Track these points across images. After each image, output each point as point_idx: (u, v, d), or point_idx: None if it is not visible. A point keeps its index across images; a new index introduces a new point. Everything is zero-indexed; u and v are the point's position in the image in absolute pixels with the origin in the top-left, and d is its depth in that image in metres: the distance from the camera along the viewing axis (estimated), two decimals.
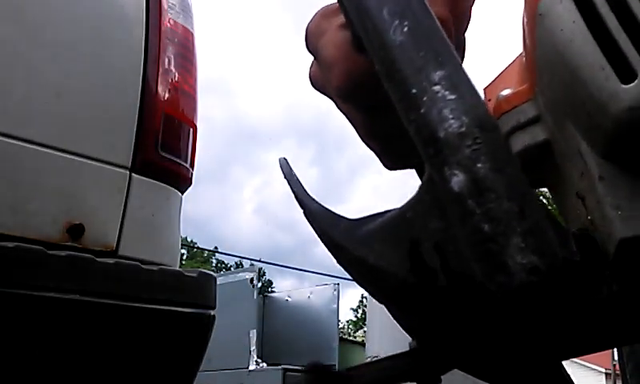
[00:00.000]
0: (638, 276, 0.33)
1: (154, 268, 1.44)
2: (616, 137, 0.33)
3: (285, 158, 0.47)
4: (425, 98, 0.32)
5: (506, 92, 0.40)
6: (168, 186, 1.61)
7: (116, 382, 1.37)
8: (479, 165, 0.31)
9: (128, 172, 1.50)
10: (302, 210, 0.44)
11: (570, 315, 0.33)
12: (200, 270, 1.62)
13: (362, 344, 8.11)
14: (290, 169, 0.45)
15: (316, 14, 0.47)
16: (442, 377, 0.40)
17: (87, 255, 1.31)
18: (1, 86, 1.36)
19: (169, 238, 1.62)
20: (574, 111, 0.35)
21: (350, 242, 0.38)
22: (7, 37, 1.38)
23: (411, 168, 0.49)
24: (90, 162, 1.44)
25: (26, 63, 1.41)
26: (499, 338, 0.35)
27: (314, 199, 0.43)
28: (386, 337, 4.42)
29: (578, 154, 0.35)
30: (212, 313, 1.52)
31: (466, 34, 0.47)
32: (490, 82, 0.44)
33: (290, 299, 8.08)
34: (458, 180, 0.31)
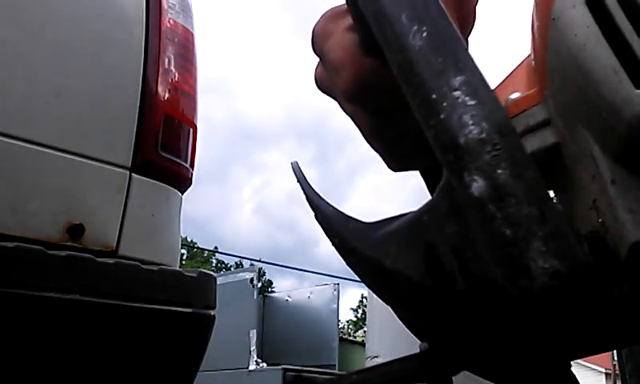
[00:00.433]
0: None
1: (154, 268, 1.44)
2: (629, 141, 0.33)
3: (297, 162, 0.48)
4: (445, 104, 0.32)
5: (514, 95, 0.40)
6: (168, 186, 1.61)
7: (116, 382, 1.37)
8: (499, 170, 0.31)
9: (128, 172, 1.50)
10: (313, 214, 0.44)
11: (586, 317, 0.33)
12: (200, 270, 1.62)
13: (362, 344, 8.11)
14: (302, 173, 0.46)
15: (322, 16, 0.47)
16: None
17: (87, 255, 1.31)
18: (1, 85, 1.36)
19: (169, 238, 1.62)
20: (587, 114, 0.35)
21: (365, 244, 0.38)
22: (7, 37, 1.38)
23: (415, 170, 0.49)
24: (90, 161, 1.44)
25: (26, 63, 1.41)
26: (515, 340, 0.35)
27: (327, 202, 0.43)
28: (386, 337, 4.42)
29: (590, 157, 0.35)
30: (212, 313, 1.52)
31: (470, 37, 0.47)
32: (496, 85, 0.44)
33: (289, 299, 8.08)
34: (478, 186, 0.31)
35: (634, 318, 0.34)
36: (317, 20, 0.47)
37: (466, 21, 0.46)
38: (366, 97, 0.44)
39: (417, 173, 0.49)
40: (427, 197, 0.39)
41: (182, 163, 1.64)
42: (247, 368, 6.31)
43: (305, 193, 0.45)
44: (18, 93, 1.38)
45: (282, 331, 7.71)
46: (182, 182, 1.67)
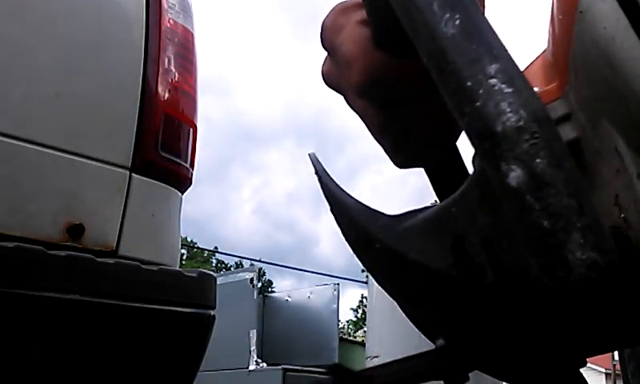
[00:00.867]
0: None
1: (154, 268, 1.44)
2: None
3: (314, 154, 0.47)
4: (481, 91, 0.31)
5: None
6: (168, 186, 1.61)
7: (116, 382, 1.37)
8: (538, 160, 0.30)
9: (128, 172, 1.50)
10: (330, 206, 0.44)
11: (615, 312, 0.33)
12: (200, 270, 1.62)
13: (362, 344, 8.10)
14: (321, 164, 0.45)
15: (332, 9, 0.47)
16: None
17: (87, 255, 1.31)
18: (1, 85, 1.36)
19: (169, 238, 1.62)
20: (613, 108, 0.35)
21: (389, 237, 0.38)
22: (7, 36, 1.38)
23: (420, 167, 0.49)
24: (90, 161, 1.44)
25: (26, 63, 1.41)
26: (537, 334, 0.35)
27: (349, 194, 0.42)
28: (386, 337, 4.42)
29: (614, 152, 0.35)
30: (212, 313, 1.52)
31: None
32: None
33: (289, 299, 8.08)
34: (515, 175, 0.30)
35: None
36: (326, 14, 0.47)
37: None
38: (377, 91, 0.44)
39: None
40: (427, 197, 0.39)
41: (182, 163, 1.64)
42: (247, 368, 6.31)
43: (323, 184, 0.44)
44: (17, 93, 1.38)
45: (282, 331, 7.71)
46: (182, 181, 1.67)
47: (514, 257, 0.32)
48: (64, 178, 1.40)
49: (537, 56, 0.43)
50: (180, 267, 1.66)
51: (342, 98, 0.48)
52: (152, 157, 1.55)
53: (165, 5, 1.63)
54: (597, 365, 21.73)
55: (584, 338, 0.36)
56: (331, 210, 0.44)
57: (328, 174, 0.45)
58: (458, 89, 0.32)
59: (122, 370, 1.36)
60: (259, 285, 7.05)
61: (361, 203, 0.41)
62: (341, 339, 8.29)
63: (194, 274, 1.51)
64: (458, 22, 0.33)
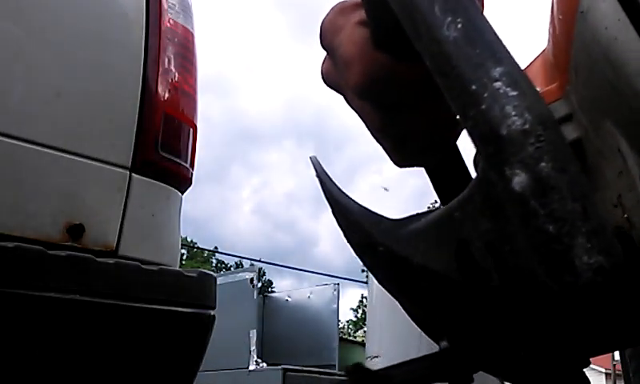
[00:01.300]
0: None
1: (154, 268, 1.44)
2: None
3: (315, 157, 0.47)
4: (485, 95, 0.31)
5: None
6: (168, 186, 1.61)
7: (116, 382, 1.37)
8: (542, 164, 0.30)
9: (128, 172, 1.50)
10: (332, 209, 0.44)
11: (621, 314, 0.33)
12: (200, 270, 1.62)
13: (362, 344, 8.11)
14: (322, 167, 0.45)
15: (331, 9, 0.47)
16: None
17: (87, 255, 1.31)
18: (1, 85, 1.36)
19: (169, 238, 1.62)
20: (615, 109, 0.34)
21: (392, 241, 0.37)
22: (7, 36, 1.38)
23: (420, 166, 0.49)
24: (90, 161, 1.44)
25: (26, 63, 1.41)
26: (543, 335, 0.35)
27: (352, 198, 0.42)
28: (386, 337, 4.42)
29: (617, 152, 0.35)
30: (212, 313, 1.52)
31: None
32: None
33: (289, 299, 8.08)
34: (519, 180, 0.30)
35: None
36: (325, 14, 0.47)
37: None
38: (376, 92, 0.43)
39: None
40: (427, 197, 0.39)
41: (182, 163, 1.64)
42: (247, 368, 6.31)
43: (325, 188, 0.44)
44: (17, 93, 1.38)
45: (282, 331, 7.71)
46: (182, 181, 1.67)
47: (520, 260, 0.31)
48: (64, 178, 1.40)
49: (536, 56, 0.43)
50: (180, 267, 1.66)
51: (341, 97, 0.48)
52: (152, 157, 1.55)
53: (165, 5, 1.63)
54: (597, 365, 21.73)
55: (589, 339, 0.36)
56: (333, 212, 0.44)
57: (329, 177, 0.44)
58: (462, 92, 0.32)
59: (122, 370, 1.36)
60: (259, 285, 7.05)
61: (363, 207, 0.41)
62: (341, 339, 8.29)
63: (194, 274, 1.51)
64: (460, 25, 0.33)
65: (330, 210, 0.44)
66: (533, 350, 0.36)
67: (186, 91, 1.66)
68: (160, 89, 1.57)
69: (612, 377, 18.37)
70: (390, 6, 0.37)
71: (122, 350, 1.35)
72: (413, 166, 0.49)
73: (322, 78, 0.48)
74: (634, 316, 0.34)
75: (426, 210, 0.39)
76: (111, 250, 1.44)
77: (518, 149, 0.30)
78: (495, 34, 0.33)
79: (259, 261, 25.30)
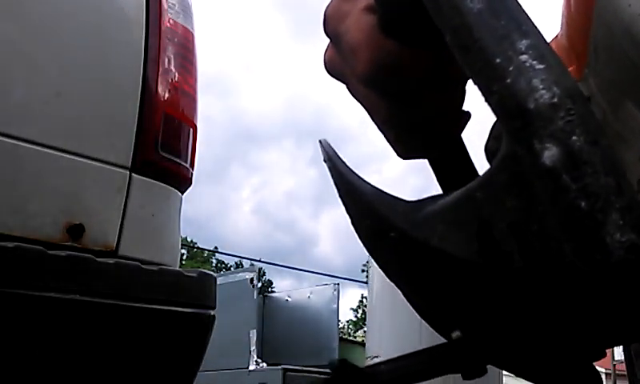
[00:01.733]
0: None
1: (154, 268, 1.44)
2: None
3: (325, 140, 0.46)
4: (511, 68, 0.30)
5: None
6: (168, 186, 1.61)
7: (116, 382, 1.37)
8: (574, 137, 0.28)
9: (128, 172, 1.50)
10: (340, 193, 0.42)
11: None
12: (200, 270, 1.62)
13: (362, 344, 8.10)
14: (333, 149, 0.44)
15: None
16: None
17: (87, 255, 1.31)
18: (1, 85, 1.36)
19: (169, 238, 1.62)
20: (637, 88, 0.33)
21: (408, 224, 0.36)
22: (7, 36, 1.38)
23: (424, 158, 0.49)
24: (90, 161, 1.44)
25: (26, 63, 1.41)
26: (562, 321, 0.33)
27: (365, 180, 0.41)
28: (386, 337, 4.43)
29: (638, 133, 0.34)
30: (212, 313, 1.52)
31: None
32: None
33: (289, 299, 8.08)
34: (550, 154, 0.29)
35: None
36: (329, 1, 0.46)
37: None
38: (383, 80, 0.43)
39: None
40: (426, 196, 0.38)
41: (182, 163, 1.64)
42: (247, 368, 6.31)
43: (336, 171, 0.43)
44: (17, 93, 1.38)
45: (282, 331, 7.71)
46: (182, 181, 1.67)
47: (546, 241, 0.30)
48: (64, 178, 1.40)
49: (550, 41, 0.42)
50: (180, 267, 1.66)
51: (344, 88, 0.47)
52: (152, 157, 1.55)
53: (165, 5, 1.63)
54: (597, 365, 21.70)
55: (613, 326, 0.34)
56: (342, 197, 0.43)
57: (341, 159, 0.43)
58: (485, 66, 0.31)
59: (122, 370, 1.36)
60: (259, 285, 7.05)
61: (377, 189, 0.40)
62: (341, 339, 8.28)
63: (194, 274, 1.51)
64: None
65: (338, 195, 0.43)
66: (551, 338, 0.35)
67: (185, 91, 1.66)
68: (160, 89, 1.57)
69: (612, 377, 18.36)
70: None
71: (122, 350, 1.35)
72: (417, 157, 0.48)
73: (325, 66, 0.47)
74: None
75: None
76: (111, 250, 1.44)
77: (548, 122, 0.29)
78: (520, 5, 0.32)
79: (259, 261, 25.30)
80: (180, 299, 1.44)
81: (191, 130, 1.68)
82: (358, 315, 40.52)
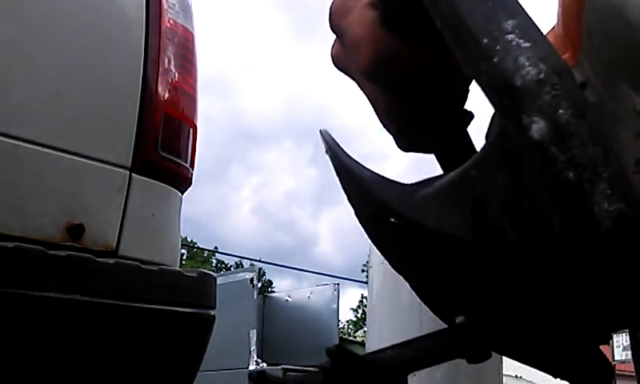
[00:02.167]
0: None
1: (154, 268, 1.44)
2: None
3: (326, 130, 0.46)
4: (498, 47, 0.31)
5: None
6: (168, 186, 1.61)
7: (116, 382, 1.37)
8: (561, 111, 0.29)
9: (128, 172, 1.50)
10: (341, 181, 0.43)
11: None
12: (200, 270, 1.62)
13: (362, 344, 8.11)
14: (333, 138, 0.45)
15: None
16: None
17: (87, 255, 1.30)
18: (1, 85, 1.36)
19: (169, 238, 1.62)
20: (630, 67, 0.34)
21: (405, 206, 0.36)
22: (7, 36, 1.38)
23: (425, 152, 0.49)
24: (90, 161, 1.44)
25: (26, 63, 1.41)
26: (562, 300, 0.33)
27: (364, 166, 0.42)
28: (386, 337, 4.43)
29: (633, 112, 0.34)
30: (212, 313, 1.52)
31: None
32: None
33: (289, 299, 8.08)
34: (538, 127, 0.29)
35: None
36: None
37: None
38: (385, 74, 0.43)
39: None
40: None
41: (182, 163, 1.64)
42: (247, 368, 6.32)
43: (336, 158, 0.43)
44: (17, 93, 1.38)
45: (281, 331, 7.71)
46: (182, 181, 1.67)
47: (537, 215, 0.30)
48: (64, 178, 1.40)
49: (546, 34, 0.43)
50: (180, 267, 1.66)
51: (348, 84, 0.48)
52: (152, 157, 1.55)
53: (165, 5, 1.63)
54: None
55: (608, 307, 0.34)
56: (343, 185, 0.43)
57: (341, 147, 0.44)
58: (473, 47, 0.32)
59: (122, 370, 1.36)
60: (259, 285, 7.05)
61: (376, 174, 0.40)
62: (341, 339, 8.29)
63: (194, 274, 1.51)
64: None
65: (340, 183, 0.43)
66: (550, 317, 0.35)
67: (185, 91, 1.66)
68: (160, 89, 1.57)
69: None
70: None
71: (122, 350, 1.35)
72: (418, 151, 0.49)
73: (332, 61, 0.48)
74: None
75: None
76: (111, 250, 1.44)
77: (535, 98, 0.30)
78: None
79: (259, 261, 25.30)
80: (180, 299, 1.44)
81: (191, 129, 1.68)
82: (358, 315, 40.50)
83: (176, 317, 1.42)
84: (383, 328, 4.57)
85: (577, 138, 0.29)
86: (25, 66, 1.40)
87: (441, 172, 0.48)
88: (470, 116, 0.47)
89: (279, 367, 6.17)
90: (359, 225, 0.42)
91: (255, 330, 6.50)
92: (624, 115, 0.35)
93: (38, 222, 1.35)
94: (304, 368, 6.33)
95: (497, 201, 0.32)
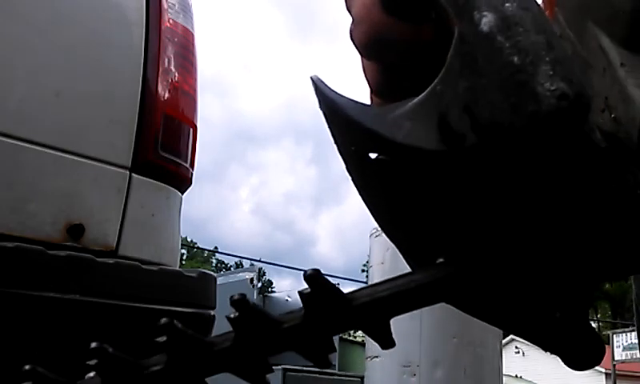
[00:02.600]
0: None
1: (154, 268, 1.44)
2: (635, 21, 0.35)
3: (316, 75, 0.48)
4: None
5: None
6: (168, 186, 1.61)
7: None
8: (507, 4, 0.32)
9: (128, 172, 1.50)
10: (326, 118, 0.43)
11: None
12: (200, 269, 1.62)
13: (362, 344, 8.10)
14: (322, 81, 0.45)
15: None
16: None
17: (87, 255, 1.31)
18: (1, 85, 1.36)
19: (169, 238, 1.62)
20: (597, 7, 0.37)
21: (380, 125, 0.38)
22: (7, 36, 1.38)
23: None
24: (90, 161, 1.44)
25: (26, 63, 1.41)
26: (538, 234, 0.34)
27: (341, 94, 0.43)
28: None
29: (599, 50, 0.36)
30: (212, 313, 1.52)
31: None
32: None
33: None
34: (487, 20, 0.32)
35: None
36: None
37: None
38: (378, 52, 0.46)
39: None
40: None
41: (182, 163, 1.64)
42: None
43: (323, 98, 0.43)
44: (17, 93, 1.38)
45: None
46: (181, 181, 1.67)
47: (492, 111, 0.32)
48: (64, 178, 1.40)
49: None
50: (180, 267, 1.66)
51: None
52: (152, 157, 1.55)
53: (165, 5, 1.63)
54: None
55: (587, 245, 0.34)
56: (328, 122, 0.43)
57: (327, 85, 0.44)
58: None
59: None
60: (259, 285, 7.05)
61: (358, 102, 0.42)
62: (341, 339, 8.28)
63: (194, 274, 1.51)
64: None
65: (325, 121, 0.44)
66: (532, 261, 0.35)
67: (185, 91, 1.66)
68: (160, 89, 1.57)
69: (612, 377, 18.34)
70: None
71: (122, 350, 1.35)
72: None
73: (350, 36, 0.51)
74: (625, 211, 0.33)
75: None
76: (111, 250, 1.44)
77: None
78: None
79: (259, 261, 25.31)
80: (180, 299, 1.44)
81: (191, 129, 1.68)
82: None
83: (176, 317, 1.42)
84: None
85: (521, 26, 0.31)
86: (25, 66, 1.40)
87: None
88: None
89: (279, 367, 6.16)
90: (345, 171, 0.43)
91: None
92: (593, 58, 0.37)
93: (37, 221, 1.35)
94: (304, 368, 6.33)
95: (459, 107, 0.33)
